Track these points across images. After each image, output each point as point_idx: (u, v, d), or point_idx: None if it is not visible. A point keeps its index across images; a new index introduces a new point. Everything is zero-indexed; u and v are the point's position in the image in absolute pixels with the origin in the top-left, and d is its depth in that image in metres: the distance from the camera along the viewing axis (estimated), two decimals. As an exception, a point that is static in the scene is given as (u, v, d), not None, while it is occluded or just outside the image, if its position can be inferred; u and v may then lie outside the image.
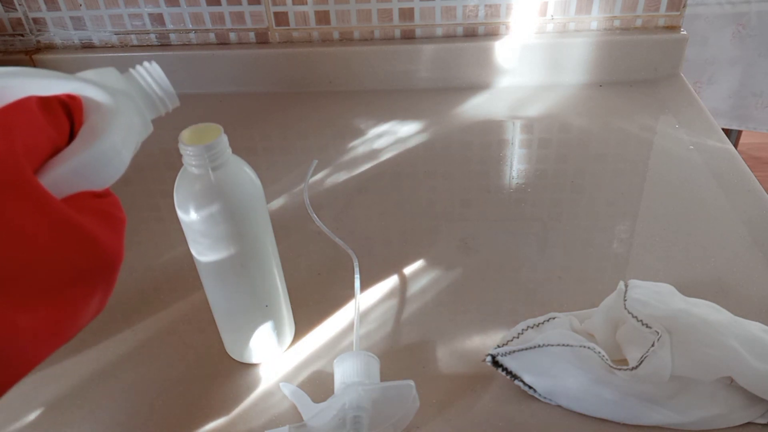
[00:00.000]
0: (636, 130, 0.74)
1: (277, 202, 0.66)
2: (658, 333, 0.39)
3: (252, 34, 0.87)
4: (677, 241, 0.56)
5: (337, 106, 0.84)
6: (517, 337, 0.44)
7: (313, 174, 0.69)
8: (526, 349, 0.42)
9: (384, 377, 0.44)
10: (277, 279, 0.45)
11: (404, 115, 0.80)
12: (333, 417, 0.39)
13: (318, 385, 0.45)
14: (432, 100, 0.83)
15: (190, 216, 0.38)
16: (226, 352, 0.48)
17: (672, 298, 0.43)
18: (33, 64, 0.90)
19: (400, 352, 0.48)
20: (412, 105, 0.83)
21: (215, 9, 0.85)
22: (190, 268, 0.45)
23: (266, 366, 0.47)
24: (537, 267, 0.55)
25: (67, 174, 0.24)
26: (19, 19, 0.89)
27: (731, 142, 0.70)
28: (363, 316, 0.51)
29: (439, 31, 0.85)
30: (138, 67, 0.29)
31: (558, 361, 0.42)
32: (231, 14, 0.85)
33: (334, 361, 0.44)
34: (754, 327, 0.42)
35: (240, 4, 0.84)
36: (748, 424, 0.40)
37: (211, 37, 0.88)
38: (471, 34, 0.84)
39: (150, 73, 0.29)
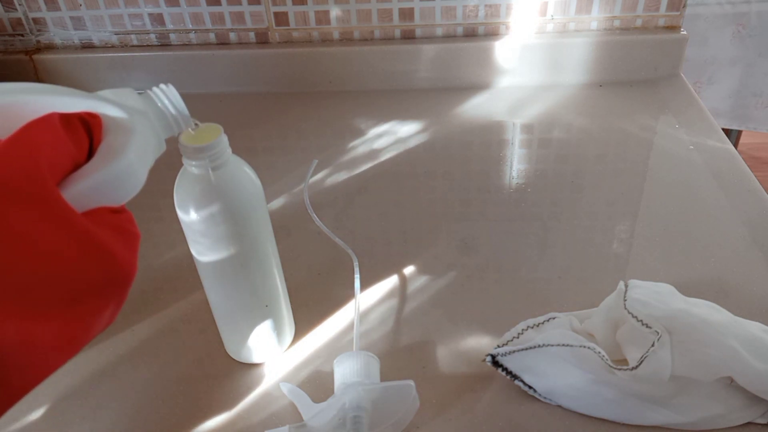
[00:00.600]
0: (636, 130, 0.74)
1: (277, 202, 0.66)
2: (658, 333, 0.39)
3: (252, 34, 0.87)
4: (677, 241, 0.56)
5: (337, 106, 0.84)
6: (517, 337, 0.44)
7: (313, 174, 0.69)
8: (526, 349, 0.42)
9: (384, 377, 0.44)
10: (277, 279, 0.45)
11: (404, 115, 0.80)
12: (333, 417, 0.39)
13: (318, 385, 0.45)
14: (432, 100, 0.83)
15: (190, 216, 0.38)
16: (226, 352, 0.48)
17: (672, 298, 0.43)
18: (33, 64, 0.90)
19: (400, 352, 0.48)
20: (412, 105, 0.83)
21: (215, 9, 0.85)
22: (190, 268, 0.45)
23: (266, 366, 0.47)
24: (537, 267, 0.55)
25: (87, 190, 0.25)
26: (19, 19, 0.89)
27: (731, 142, 0.70)
28: (363, 316, 0.51)
29: (439, 31, 0.85)
30: (155, 88, 0.31)
31: (558, 361, 0.42)
32: (231, 14, 0.85)
33: (334, 361, 0.44)
34: (754, 327, 0.42)
35: (240, 4, 0.84)
36: (748, 424, 0.40)
37: (211, 37, 0.88)
38: (471, 34, 0.84)
39: (166, 94, 0.31)
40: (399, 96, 0.85)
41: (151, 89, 0.31)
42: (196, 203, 0.38)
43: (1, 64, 0.91)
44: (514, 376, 0.43)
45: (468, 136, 0.75)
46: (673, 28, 0.83)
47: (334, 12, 0.84)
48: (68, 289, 0.23)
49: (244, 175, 0.39)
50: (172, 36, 0.88)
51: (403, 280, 0.54)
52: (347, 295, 0.53)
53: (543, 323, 0.44)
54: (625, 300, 0.42)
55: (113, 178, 0.26)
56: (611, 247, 0.56)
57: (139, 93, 0.31)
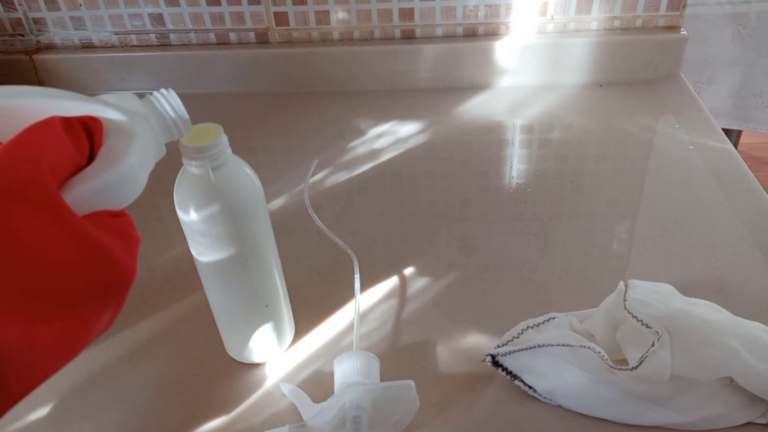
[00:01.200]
0: (636, 130, 0.74)
1: (277, 202, 0.66)
2: (658, 333, 0.39)
3: (252, 34, 0.87)
4: (677, 241, 0.56)
5: (337, 106, 0.84)
6: (517, 337, 0.44)
7: (314, 174, 0.69)
8: (526, 349, 0.42)
9: (384, 377, 0.44)
10: (277, 279, 0.45)
11: (404, 115, 0.80)
12: (333, 417, 0.39)
13: (318, 385, 0.45)
14: (432, 100, 0.83)
15: (190, 216, 0.38)
16: (226, 352, 0.48)
17: (672, 298, 0.43)
18: (33, 64, 0.90)
19: (400, 352, 0.48)
20: (412, 105, 0.83)
21: (215, 9, 0.85)
22: (190, 268, 0.45)
23: (266, 366, 0.47)
24: (537, 267, 0.55)
25: (88, 193, 0.25)
26: (19, 19, 0.89)
27: (731, 142, 0.70)
28: (363, 316, 0.51)
29: (439, 31, 0.85)
30: (156, 93, 0.31)
31: (558, 361, 0.42)
32: (231, 14, 0.86)
33: (334, 360, 0.44)
34: (754, 327, 0.42)
35: (240, 4, 0.84)
36: (748, 424, 0.40)
37: (211, 37, 0.88)
38: (471, 34, 0.84)
39: (167, 99, 0.31)
40: (399, 96, 0.85)
41: (152, 94, 0.31)
42: (196, 203, 0.38)
43: (1, 64, 0.91)
44: (514, 376, 0.43)
45: (468, 136, 0.75)
46: (673, 28, 0.83)
47: (339, 14, 0.84)
48: (69, 292, 0.23)
49: (244, 175, 0.39)
50: (172, 36, 0.88)
51: (403, 280, 0.54)
52: (347, 295, 0.53)
53: (543, 323, 0.44)
54: (625, 300, 0.42)
55: (114, 182, 0.26)
56: (611, 247, 0.56)
57: (140, 98, 0.31)
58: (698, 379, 0.39)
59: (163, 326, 0.52)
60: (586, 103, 0.80)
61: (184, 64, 0.88)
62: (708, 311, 0.42)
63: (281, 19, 0.85)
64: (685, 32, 0.82)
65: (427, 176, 0.68)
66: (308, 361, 0.47)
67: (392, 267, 0.56)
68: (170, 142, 0.32)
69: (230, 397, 0.45)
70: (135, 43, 0.89)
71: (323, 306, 0.52)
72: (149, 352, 0.49)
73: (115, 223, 0.26)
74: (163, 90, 0.31)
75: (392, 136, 0.76)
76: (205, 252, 0.40)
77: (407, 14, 0.83)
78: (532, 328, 0.44)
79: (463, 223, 0.61)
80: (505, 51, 0.83)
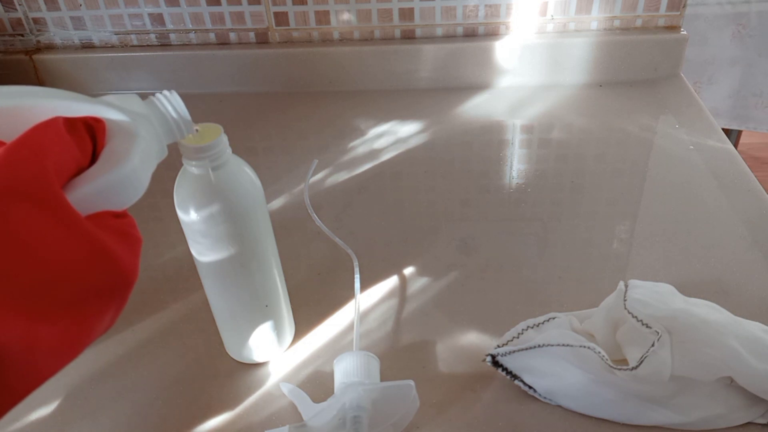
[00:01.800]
0: (636, 130, 0.74)
1: (277, 202, 0.66)
2: (658, 333, 0.39)
3: (252, 34, 0.87)
4: (677, 241, 0.56)
5: (337, 106, 0.84)
6: (517, 337, 0.44)
7: (314, 174, 0.69)
8: (526, 349, 0.42)
9: (384, 377, 0.44)
10: (277, 279, 0.45)
11: (404, 115, 0.80)
12: (333, 417, 0.39)
13: (318, 385, 0.45)
14: (432, 100, 0.83)
15: (190, 216, 0.38)
16: (226, 352, 0.48)
17: (672, 298, 0.43)
18: (33, 64, 0.90)
19: (400, 352, 0.48)
20: (412, 105, 0.83)
21: (215, 9, 0.85)
22: (190, 268, 0.45)
23: (266, 366, 0.47)
24: (537, 267, 0.55)
25: (91, 194, 0.25)
26: (19, 19, 0.89)
27: (731, 142, 0.70)
28: (363, 316, 0.51)
29: (439, 31, 0.85)
30: (158, 94, 0.31)
31: (558, 361, 0.42)
32: (231, 14, 0.86)
33: (334, 360, 0.44)
34: (754, 327, 0.42)
35: (240, 4, 0.84)
36: (748, 424, 0.40)
37: (211, 37, 0.88)
38: (471, 34, 0.84)
39: (170, 100, 0.31)
40: (399, 96, 0.85)
41: (154, 95, 0.31)
42: (196, 203, 0.38)
43: (1, 64, 0.91)
44: (514, 376, 0.43)
45: (468, 136, 0.75)
46: (673, 28, 0.83)
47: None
48: (71, 292, 0.23)
49: (244, 175, 0.39)
50: (172, 36, 0.88)
51: (403, 280, 0.54)
52: (347, 295, 0.53)
53: (543, 323, 0.44)
54: (625, 300, 0.42)
55: (117, 183, 0.26)
56: (611, 247, 0.56)
57: (143, 99, 0.31)
58: (698, 379, 0.39)
59: (163, 326, 0.52)
60: (586, 103, 0.80)
61: (184, 64, 0.88)
62: (708, 311, 0.42)
63: (281, 19, 0.85)
64: (685, 32, 0.82)
65: (427, 176, 0.68)
66: (308, 361, 0.47)
67: (392, 267, 0.56)
68: (171, 143, 0.32)
69: (230, 397, 0.45)
70: (135, 43, 0.89)
71: (323, 306, 0.52)
72: (149, 352, 0.49)
73: (117, 224, 0.26)
74: (165, 92, 0.31)
75: (392, 136, 0.76)
76: (205, 252, 0.40)
77: (407, 14, 0.83)
78: (532, 328, 0.44)
79: (463, 223, 0.61)
80: (505, 51, 0.83)
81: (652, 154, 0.69)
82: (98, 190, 0.26)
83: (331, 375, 0.44)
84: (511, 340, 0.44)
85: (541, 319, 0.45)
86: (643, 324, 0.40)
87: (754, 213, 0.59)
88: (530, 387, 0.43)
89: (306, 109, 0.84)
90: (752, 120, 1.38)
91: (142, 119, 0.29)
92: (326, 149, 0.75)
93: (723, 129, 0.90)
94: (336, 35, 0.86)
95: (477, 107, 0.81)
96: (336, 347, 0.48)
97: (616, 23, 0.82)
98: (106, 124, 0.28)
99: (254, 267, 0.42)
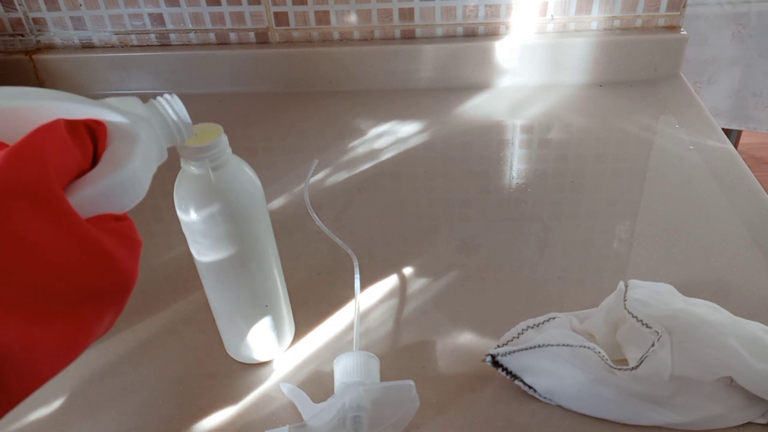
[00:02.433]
0: (636, 130, 0.74)
1: (277, 202, 0.66)
2: (658, 333, 0.39)
3: (252, 34, 0.87)
4: (677, 241, 0.56)
5: (337, 106, 0.84)
6: (517, 337, 0.44)
7: (314, 174, 0.69)
8: (526, 349, 0.42)
9: (384, 377, 0.44)
10: (277, 279, 0.45)
11: (404, 115, 0.80)
12: (333, 417, 0.39)
13: (318, 385, 0.45)
14: (432, 100, 0.83)
15: (190, 216, 0.38)
16: (226, 352, 0.48)
17: (672, 298, 0.43)
18: (33, 64, 0.90)
19: (400, 352, 0.48)
20: (412, 105, 0.83)
21: (215, 9, 0.85)
22: (190, 268, 0.45)
23: (266, 366, 0.47)
24: (537, 267, 0.55)
25: (92, 196, 0.25)
26: (19, 19, 0.89)
27: (731, 142, 0.70)
28: (363, 316, 0.51)
29: (439, 31, 0.85)
30: (159, 97, 0.31)
31: (558, 361, 0.42)
32: (231, 14, 0.86)
33: (334, 360, 0.44)
34: (754, 327, 0.42)
35: (240, 4, 0.84)
36: (748, 424, 0.40)
37: (211, 37, 0.88)
38: (471, 34, 0.84)
39: (170, 104, 0.31)
40: (399, 96, 0.85)
41: (155, 98, 0.31)
42: (196, 203, 0.38)
43: (1, 64, 0.91)
44: (514, 376, 0.43)
45: (468, 136, 0.75)
46: (673, 28, 0.83)
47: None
48: (70, 294, 0.23)
49: (244, 175, 0.39)
50: (172, 36, 0.88)
51: (403, 280, 0.54)
52: (347, 295, 0.53)
53: (543, 323, 0.44)
54: (625, 300, 0.42)
55: (118, 186, 0.26)
56: (611, 247, 0.56)
57: (144, 102, 0.31)
58: (698, 379, 0.39)
59: (163, 326, 0.52)
60: (586, 103, 0.80)
61: (184, 64, 0.88)
62: (708, 311, 0.42)
63: (281, 19, 0.85)
64: (685, 32, 0.82)
65: (427, 176, 0.68)
66: (308, 360, 0.47)
67: (392, 267, 0.56)
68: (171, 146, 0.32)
69: (230, 396, 0.45)
70: (135, 43, 0.89)
71: (323, 306, 0.52)
72: (149, 352, 0.49)
73: (117, 226, 0.26)
74: (166, 95, 0.31)
75: (392, 136, 0.76)
76: (205, 252, 0.40)
77: (407, 14, 0.83)
78: (532, 328, 0.44)
79: (463, 223, 0.61)
80: (505, 51, 0.83)
81: (652, 154, 0.69)
82: (99, 193, 0.26)
83: (331, 375, 0.44)
84: (511, 340, 0.44)
85: (541, 319, 0.45)
86: (643, 324, 0.40)
87: (754, 213, 0.59)
88: (530, 387, 0.43)
89: (306, 109, 0.84)
90: (752, 120, 1.38)
91: (142, 122, 0.29)
92: (326, 149, 0.75)
93: (723, 129, 0.90)
94: (336, 35, 0.86)
95: (477, 107, 0.81)
96: (336, 347, 0.48)
97: (616, 23, 0.82)
98: (107, 127, 0.28)
99: (254, 267, 0.42)
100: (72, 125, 0.26)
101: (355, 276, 0.51)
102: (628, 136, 0.73)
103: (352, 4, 0.83)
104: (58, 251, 0.22)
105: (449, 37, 0.85)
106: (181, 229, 0.40)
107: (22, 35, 0.90)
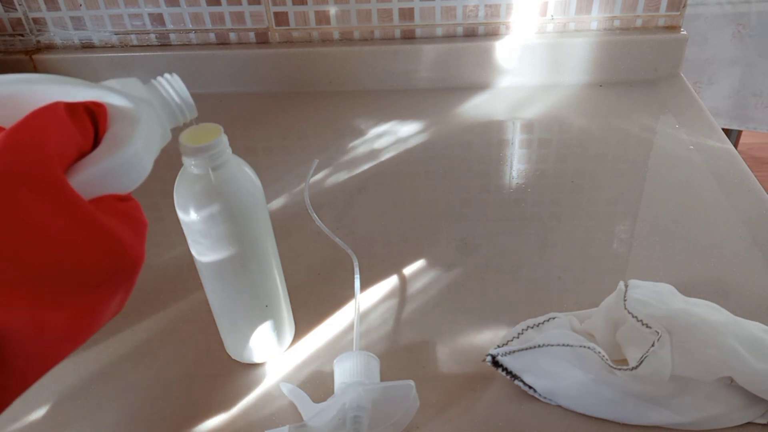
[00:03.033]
0: (636, 130, 0.74)
1: (277, 202, 0.66)
2: (658, 333, 0.39)
3: (252, 34, 0.87)
4: (677, 241, 0.56)
5: (337, 106, 0.84)
6: (517, 337, 0.44)
7: (314, 174, 0.69)
8: (526, 349, 0.42)
9: (384, 377, 0.44)
10: (277, 279, 0.45)
11: (404, 115, 0.80)
12: (333, 417, 0.39)
13: (318, 385, 0.45)
14: (432, 100, 0.83)
15: (190, 216, 0.38)
16: (226, 352, 0.48)
17: (672, 298, 0.43)
18: (33, 63, 0.90)
19: (400, 352, 0.48)
20: (412, 105, 0.83)
21: (215, 9, 0.85)
22: (190, 268, 0.45)
23: (266, 366, 0.47)
24: (537, 267, 0.55)
25: (94, 178, 0.25)
26: (19, 19, 0.89)
27: (731, 142, 0.70)
28: (363, 316, 0.51)
29: (439, 31, 0.85)
30: (159, 78, 0.31)
31: (558, 361, 0.42)
32: (231, 14, 0.85)
33: (334, 360, 0.44)
34: (754, 327, 0.42)
35: (240, 4, 0.84)
36: (748, 424, 0.40)
37: (211, 37, 0.88)
38: (471, 34, 0.84)
39: (171, 83, 0.31)
40: (399, 96, 0.85)
41: (156, 79, 0.31)
42: (196, 203, 0.38)
43: (1, 64, 0.91)
44: (514, 376, 0.43)
45: (468, 136, 0.75)
46: (673, 28, 0.83)
47: (333, 10, 0.84)
48: (77, 277, 0.23)
49: (244, 175, 0.39)
50: (172, 36, 0.88)
51: (403, 280, 0.54)
52: (347, 295, 0.53)
53: (543, 323, 0.44)
54: (625, 300, 0.42)
55: (119, 166, 0.26)
56: (611, 247, 0.56)
57: (144, 83, 0.31)
58: (698, 379, 0.39)
59: (163, 326, 0.52)
60: (586, 103, 0.80)
61: (184, 64, 0.88)
62: (708, 311, 0.42)
63: (281, 19, 0.85)
64: (685, 32, 0.82)
65: (427, 176, 0.68)
66: (308, 361, 0.47)
67: (392, 267, 0.56)
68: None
69: (230, 397, 0.45)
70: (135, 43, 0.89)
71: (323, 306, 0.52)
72: (149, 352, 0.49)
73: (121, 207, 0.26)
74: (167, 75, 0.31)
75: (392, 136, 0.76)
76: (205, 252, 0.40)
77: (407, 14, 0.83)
78: (532, 328, 0.44)
79: (463, 223, 0.61)
80: (505, 51, 0.83)
81: (652, 154, 0.69)
82: (101, 174, 0.25)
83: (331, 375, 0.44)
84: (511, 340, 0.44)
85: (541, 319, 0.45)
86: (643, 324, 0.40)
87: (754, 213, 0.59)
88: (530, 387, 0.43)
89: (306, 109, 0.84)
90: (752, 120, 1.38)
91: (143, 103, 0.29)
92: (326, 149, 0.75)
93: (723, 129, 0.90)
94: (336, 35, 0.86)
95: (477, 107, 0.81)
96: (336, 347, 0.48)
97: (616, 23, 0.82)
98: (107, 109, 0.27)
99: (254, 267, 0.42)
100: (71, 108, 0.26)
101: (355, 276, 0.51)
102: (628, 136, 0.73)
103: (352, 4, 0.83)
104: (61, 233, 0.22)
105: (449, 37, 0.85)
106: (181, 229, 0.40)
107: (22, 35, 0.90)
